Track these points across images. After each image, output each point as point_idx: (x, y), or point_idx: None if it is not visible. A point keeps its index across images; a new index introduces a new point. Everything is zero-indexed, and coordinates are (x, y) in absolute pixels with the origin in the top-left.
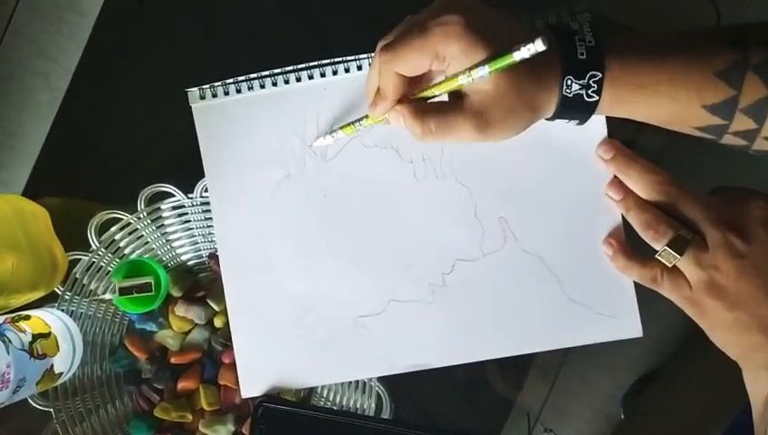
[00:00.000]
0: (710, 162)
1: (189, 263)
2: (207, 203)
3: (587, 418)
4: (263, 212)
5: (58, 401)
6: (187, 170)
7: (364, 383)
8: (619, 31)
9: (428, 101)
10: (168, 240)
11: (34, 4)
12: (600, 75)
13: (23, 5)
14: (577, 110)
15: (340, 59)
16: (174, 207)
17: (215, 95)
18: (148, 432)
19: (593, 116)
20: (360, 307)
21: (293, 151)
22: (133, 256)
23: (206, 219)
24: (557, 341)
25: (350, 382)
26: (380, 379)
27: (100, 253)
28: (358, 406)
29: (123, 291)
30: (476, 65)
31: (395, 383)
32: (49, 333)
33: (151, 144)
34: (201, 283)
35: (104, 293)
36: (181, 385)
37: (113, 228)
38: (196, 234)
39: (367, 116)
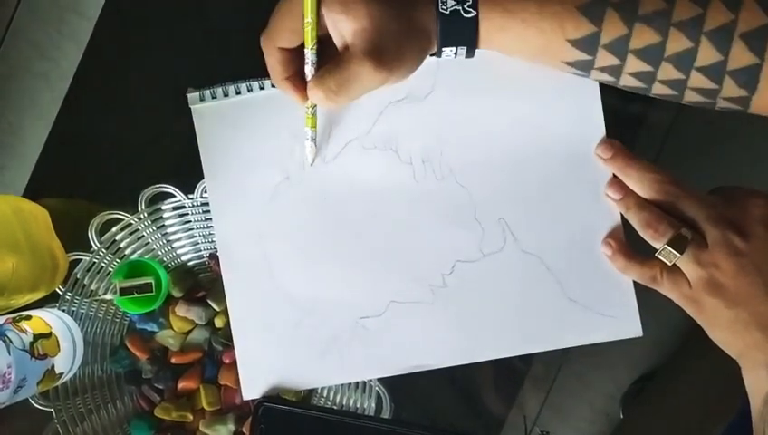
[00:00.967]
0: (710, 162)
1: (190, 263)
2: (208, 203)
3: (586, 417)
4: (263, 214)
5: (59, 401)
6: (188, 171)
7: (364, 383)
8: None
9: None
10: (168, 240)
11: (35, 6)
12: None
13: (23, 7)
14: (458, 29)
15: None
16: (174, 208)
17: (214, 97)
18: (148, 432)
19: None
20: (361, 308)
21: (293, 153)
22: (134, 257)
23: (206, 220)
24: (557, 341)
25: (351, 382)
26: (380, 379)
27: (100, 253)
28: (358, 406)
29: (124, 291)
30: None
31: (395, 383)
32: (50, 334)
33: (152, 145)
34: (202, 283)
35: (105, 293)
36: (182, 385)
37: (114, 229)
38: (197, 234)
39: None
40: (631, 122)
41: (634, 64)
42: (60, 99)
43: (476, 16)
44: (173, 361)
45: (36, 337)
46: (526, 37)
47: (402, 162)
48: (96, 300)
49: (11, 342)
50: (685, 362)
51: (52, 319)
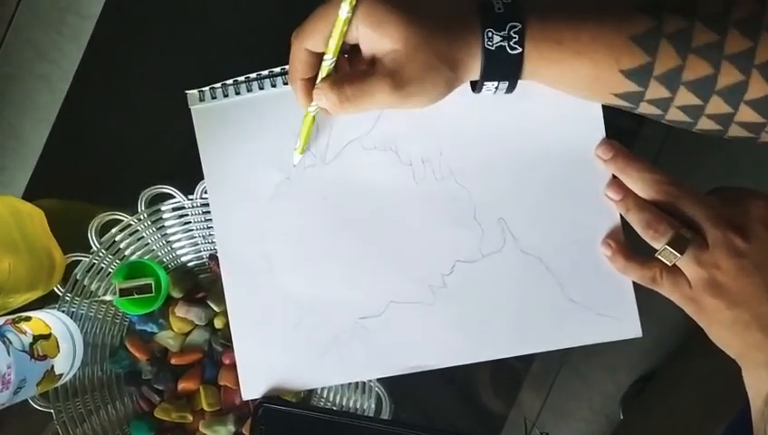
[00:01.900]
0: (710, 162)
1: (189, 264)
2: (208, 204)
3: (586, 418)
4: (262, 214)
5: (59, 401)
6: (188, 171)
7: (364, 384)
8: None
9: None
10: (168, 241)
11: (35, 7)
12: (521, 26)
13: (23, 8)
14: (502, 65)
15: None
16: (174, 209)
17: (214, 97)
18: (148, 433)
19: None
20: (360, 309)
21: (293, 153)
22: (133, 258)
23: (206, 220)
24: (557, 341)
25: (350, 383)
26: (380, 379)
27: (100, 254)
28: (358, 406)
29: (123, 292)
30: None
31: (395, 383)
32: (49, 335)
33: (151, 145)
34: (201, 284)
35: (105, 294)
36: (181, 386)
37: (114, 230)
38: (197, 235)
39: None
40: (631, 123)
41: (684, 97)
42: (60, 100)
43: (522, 53)
44: (173, 361)
45: (36, 338)
46: (577, 69)
47: (402, 162)
48: (96, 301)
49: (10, 343)
50: (685, 362)
51: (51, 320)
